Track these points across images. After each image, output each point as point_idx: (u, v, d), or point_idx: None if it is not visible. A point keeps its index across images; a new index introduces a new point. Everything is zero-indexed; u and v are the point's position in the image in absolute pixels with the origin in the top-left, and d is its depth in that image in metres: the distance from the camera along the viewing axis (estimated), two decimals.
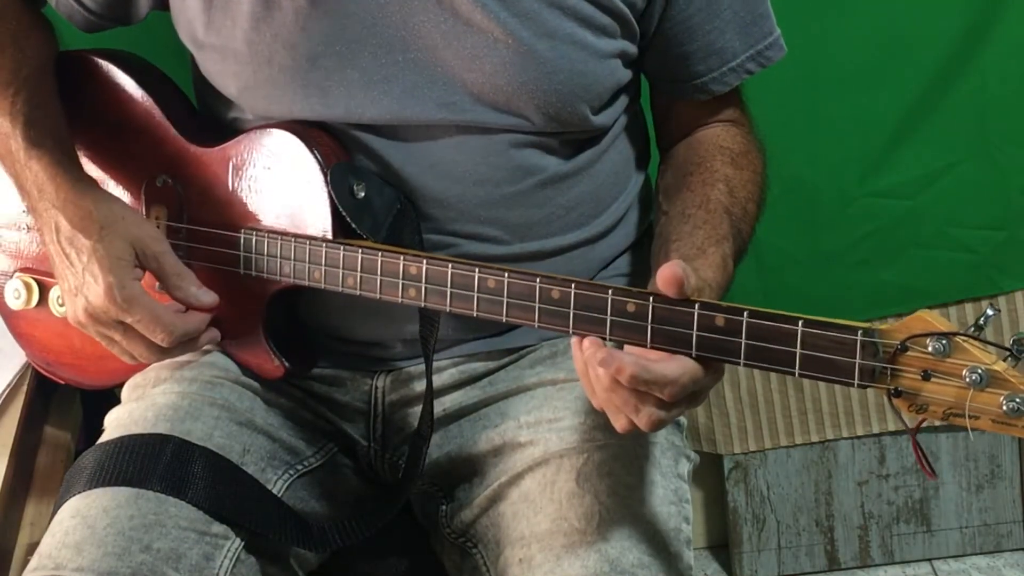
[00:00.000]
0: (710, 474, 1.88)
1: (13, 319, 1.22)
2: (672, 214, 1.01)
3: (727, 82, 1.07)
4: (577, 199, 1.07)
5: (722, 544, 1.94)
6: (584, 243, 1.08)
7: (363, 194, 0.99)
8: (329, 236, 0.99)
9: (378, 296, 0.96)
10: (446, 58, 0.98)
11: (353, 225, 0.99)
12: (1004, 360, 0.73)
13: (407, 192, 1.02)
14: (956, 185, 1.65)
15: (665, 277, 0.81)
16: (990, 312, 0.75)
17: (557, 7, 0.97)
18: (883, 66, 1.59)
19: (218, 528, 0.98)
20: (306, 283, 1.00)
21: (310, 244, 0.99)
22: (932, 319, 0.75)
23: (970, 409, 0.73)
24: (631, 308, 0.83)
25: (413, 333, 1.03)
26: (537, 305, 0.88)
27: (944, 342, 0.73)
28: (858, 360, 0.76)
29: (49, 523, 0.99)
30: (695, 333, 0.81)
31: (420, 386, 1.08)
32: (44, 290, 1.17)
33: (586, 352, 0.84)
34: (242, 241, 1.04)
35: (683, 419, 1.11)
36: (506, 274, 0.89)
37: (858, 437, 1.83)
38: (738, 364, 0.80)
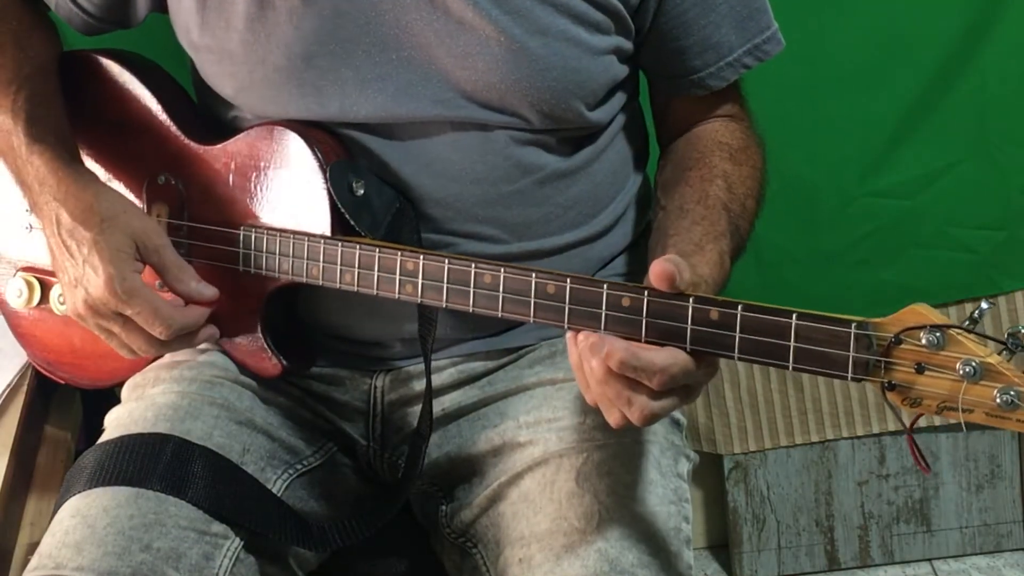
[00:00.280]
0: (710, 474, 1.88)
1: (14, 318, 1.22)
2: (670, 209, 1.01)
3: (724, 77, 1.07)
4: (575, 198, 1.07)
5: (722, 544, 1.94)
6: (582, 242, 1.08)
7: (362, 192, 1.00)
8: (328, 233, 0.99)
9: (375, 292, 0.96)
10: (439, 56, 0.98)
11: (352, 222, 0.99)
12: (999, 353, 0.73)
13: (405, 192, 1.02)
14: (956, 185, 1.65)
15: (657, 273, 0.81)
16: (984, 305, 0.74)
17: (549, 4, 0.97)
18: (883, 66, 1.59)
19: (218, 528, 0.98)
20: (304, 280, 1.00)
21: (308, 241, 1.00)
22: (926, 312, 0.75)
23: (964, 402, 0.73)
24: (626, 302, 0.84)
25: (412, 332, 1.03)
26: (533, 300, 0.88)
27: (938, 335, 0.73)
28: (852, 353, 0.76)
29: (49, 523, 0.99)
30: (689, 327, 0.81)
31: (419, 385, 1.08)
32: (45, 289, 1.17)
33: (581, 345, 0.84)
34: (241, 238, 1.04)
35: (683, 419, 1.11)
36: (502, 269, 0.89)
37: (858, 437, 1.83)
38: (732, 358, 0.80)
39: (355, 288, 0.98)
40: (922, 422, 1.80)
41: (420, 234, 1.03)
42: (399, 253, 0.95)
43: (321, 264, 0.99)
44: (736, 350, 0.80)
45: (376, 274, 0.96)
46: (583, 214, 1.08)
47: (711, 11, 1.04)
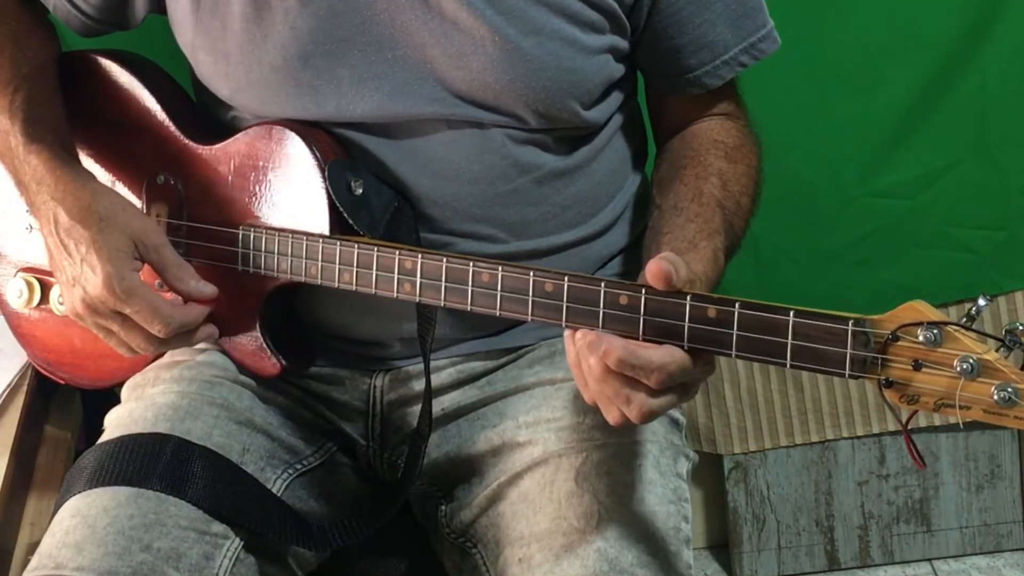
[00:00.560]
0: (710, 474, 1.88)
1: (15, 319, 1.22)
2: (665, 207, 1.01)
3: (720, 75, 1.07)
4: (573, 197, 1.07)
5: (722, 544, 1.94)
6: (581, 241, 1.08)
7: (360, 191, 1.00)
8: (327, 233, 0.99)
9: (373, 291, 0.96)
10: (434, 56, 0.98)
11: (350, 221, 0.99)
12: (996, 350, 0.73)
13: (403, 191, 1.02)
14: (956, 185, 1.65)
15: (653, 272, 0.82)
16: (982, 302, 0.74)
17: (544, 4, 0.97)
18: (883, 66, 1.59)
19: (218, 527, 0.98)
20: (303, 279, 1.01)
21: (307, 240, 1.00)
22: (923, 309, 0.75)
23: (961, 399, 0.73)
24: (623, 300, 0.84)
25: (411, 332, 1.03)
26: (531, 298, 0.88)
27: (935, 331, 0.73)
28: (849, 350, 0.76)
29: (49, 523, 0.99)
30: (687, 325, 0.81)
31: (419, 385, 1.08)
32: (45, 290, 1.17)
33: (578, 343, 0.84)
34: (240, 238, 1.04)
35: (682, 418, 1.11)
36: (500, 268, 0.90)
37: (858, 437, 1.83)
38: (730, 355, 0.80)
39: (354, 287, 0.98)
40: (922, 422, 1.80)
41: (418, 233, 1.03)
42: (397, 252, 0.95)
43: (320, 263, 0.99)
44: (734, 348, 0.80)
45: (374, 273, 0.96)
46: (581, 213, 1.08)
47: (706, 9, 1.04)
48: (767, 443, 1.83)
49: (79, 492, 0.98)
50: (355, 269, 0.97)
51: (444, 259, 0.92)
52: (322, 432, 1.12)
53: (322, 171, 0.99)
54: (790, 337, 0.78)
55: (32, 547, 1.12)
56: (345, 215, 0.99)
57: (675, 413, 1.10)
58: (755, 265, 1.65)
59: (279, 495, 1.05)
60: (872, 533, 1.88)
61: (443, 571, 1.09)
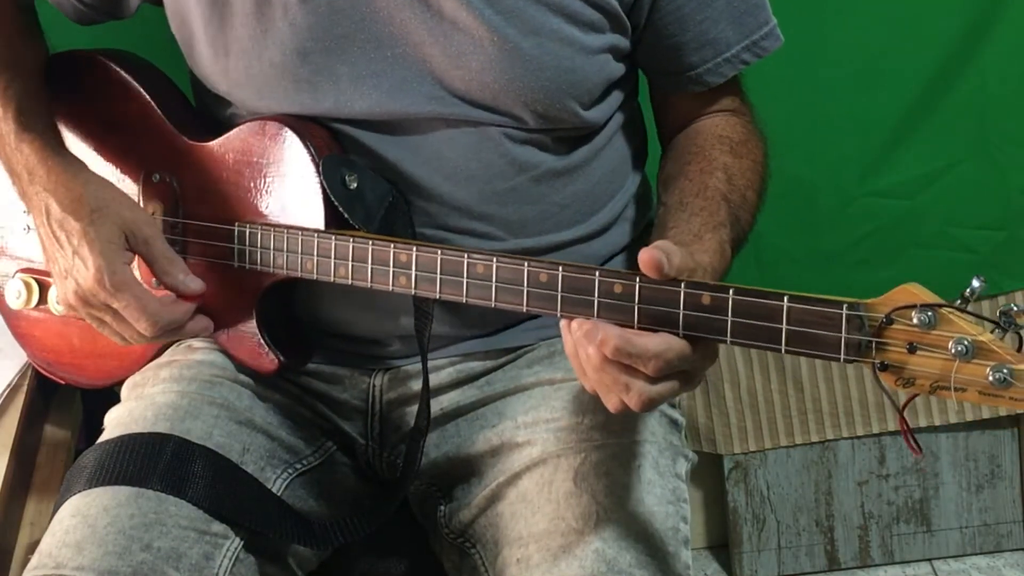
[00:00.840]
0: (710, 474, 1.88)
1: (14, 319, 1.22)
2: (670, 204, 1.01)
3: (722, 73, 1.07)
4: (572, 196, 1.07)
5: (722, 544, 1.94)
6: (580, 240, 1.08)
7: (355, 185, 1.00)
8: (322, 227, 1.00)
9: (369, 285, 0.97)
10: (433, 55, 0.98)
11: (346, 215, 0.99)
12: (991, 332, 0.73)
13: (400, 188, 1.02)
14: (956, 185, 1.65)
15: (644, 260, 0.81)
16: (976, 283, 0.74)
17: (543, 4, 0.97)
18: (883, 66, 1.59)
19: (218, 527, 0.98)
20: (298, 274, 1.01)
21: (302, 235, 1.00)
22: (917, 291, 0.74)
23: (956, 381, 0.73)
24: (618, 289, 0.84)
25: (409, 329, 1.03)
26: (525, 289, 0.88)
27: (930, 314, 0.73)
28: (844, 334, 0.76)
29: (49, 522, 0.99)
30: (681, 312, 0.81)
31: (418, 385, 1.08)
32: (44, 290, 1.17)
33: (575, 333, 0.84)
34: (236, 234, 1.04)
35: (681, 419, 1.11)
36: (495, 259, 0.90)
37: (858, 437, 1.83)
38: (725, 342, 0.80)
39: (349, 281, 0.98)
40: (922, 422, 1.80)
41: (414, 228, 1.03)
42: (392, 245, 0.95)
43: (315, 258, 0.99)
44: (728, 334, 0.80)
45: (370, 267, 0.96)
46: (580, 212, 1.08)
47: (707, 7, 1.04)
48: (767, 443, 1.83)
49: (79, 491, 0.98)
50: (350, 263, 0.97)
51: (439, 251, 0.92)
52: (322, 431, 1.13)
53: (316, 166, 1.00)
54: (784, 322, 0.78)
55: (32, 547, 1.12)
56: (340, 209, 0.99)
57: (675, 414, 1.10)
58: (756, 265, 1.65)
59: (279, 495, 1.05)
60: (872, 533, 1.88)
61: (442, 571, 1.09)
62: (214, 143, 1.06)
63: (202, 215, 1.07)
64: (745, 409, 1.81)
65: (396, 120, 1.01)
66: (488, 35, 0.97)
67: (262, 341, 1.06)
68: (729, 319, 0.80)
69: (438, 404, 1.09)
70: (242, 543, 0.99)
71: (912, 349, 0.74)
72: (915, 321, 0.73)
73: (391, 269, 0.95)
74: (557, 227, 1.07)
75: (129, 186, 1.11)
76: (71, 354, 1.18)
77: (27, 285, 1.17)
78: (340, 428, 1.12)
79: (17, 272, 1.18)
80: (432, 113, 1.00)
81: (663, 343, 0.81)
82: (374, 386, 1.11)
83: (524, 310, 0.89)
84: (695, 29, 1.05)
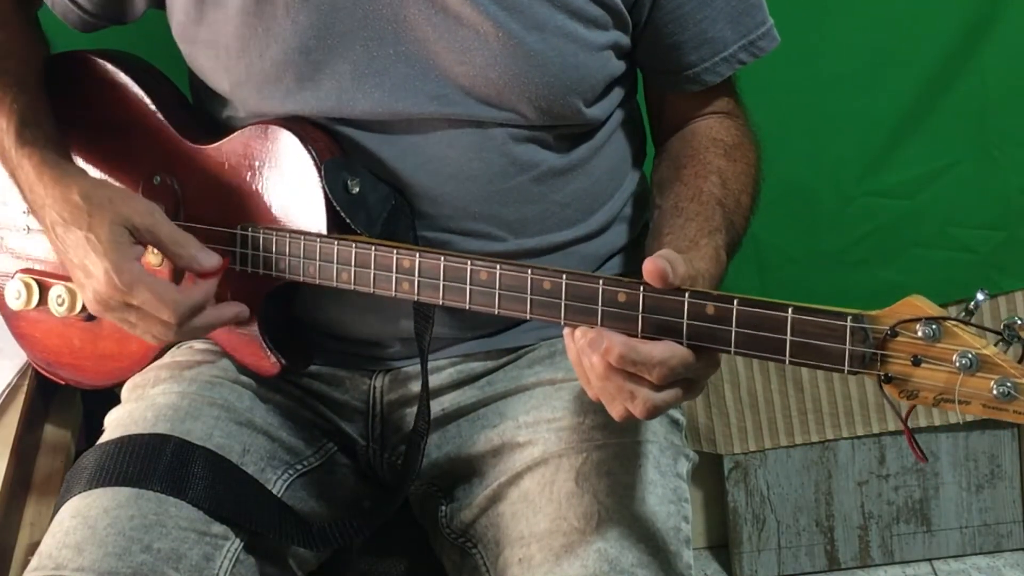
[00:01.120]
0: (710, 474, 1.88)
1: (14, 319, 1.22)
2: (665, 208, 1.02)
3: (720, 72, 1.07)
4: (573, 195, 1.07)
5: (722, 544, 1.94)
6: (580, 240, 1.08)
7: (357, 189, 1.00)
8: (324, 231, 0.99)
9: (372, 290, 0.96)
10: (437, 51, 0.98)
11: (347, 220, 0.99)
12: (995, 345, 0.73)
13: (401, 190, 1.02)
14: (956, 185, 1.66)
15: (649, 270, 0.82)
16: (980, 296, 0.74)
17: (547, 0, 0.97)
18: (882, 66, 1.59)
19: (218, 528, 0.98)
20: (300, 278, 1.00)
21: (304, 239, 1.00)
22: (922, 304, 0.75)
23: (960, 394, 0.73)
24: (622, 297, 0.84)
25: (410, 331, 1.03)
26: (529, 296, 0.88)
27: (934, 327, 0.73)
28: (848, 346, 0.76)
29: (49, 523, 0.99)
30: (685, 321, 0.81)
31: (418, 386, 1.08)
32: (44, 291, 1.17)
33: (578, 341, 0.84)
34: (238, 238, 1.04)
35: (682, 419, 1.11)
36: (498, 266, 0.89)
37: (858, 437, 1.84)
38: (729, 352, 0.80)
39: (351, 286, 0.98)
40: (922, 421, 1.80)
41: (416, 231, 1.03)
42: (395, 251, 0.95)
43: (318, 263, 0.99)
44: (732, 344, 0.80)
45: (372, 272, 0.96)
46: (580, 211, 1.08)
47: (707, 6, 1.04)
48: (767, 443, 1.83)
49: (79, 492, 0.98)
50: (353, 268, 0.97)
51: (442, 257, 0.92)
52: (322, 432, 1.12)
53: (318, 170, 0.99)
54: (789, 333, 0.78)
55: (32, 547, 1.12)
56: (342, 214, 0.99)
57: (675, 413, 1.10)
58: (756, 266, 1.65)
59: (279, 496, 1.05)
60: (872, 533, 1.88)
61: (443, 571, 1.09)
62: (216, 146, 1.06)
63: (204, 218, 1.07)
64: (745, 409, 1.81)
65: (397, 122, 1.01)
66: (493, 30, 0.97)
67: (264, 344, 1.06)
68: (733, 329, 0.80)
69: (439, 405, 1.09)
70: (242, 544, 0.99)
71: (916, 362, 0.74)
72: (919, 334, 0.74)
73: (394, 275, 0.95)
74: (557, 227, 1.07)
75: (130, 188, 1.11)
76: (71, 355, 1.18)
77: (27, 286, 1.17)
78: (341, 429, 1.12)
79: (17, 272, 1.18)
80: (435, 113, 1.00)
81: (667, 350, 0.81)
82: (375, 387, 1.11)
83: (528, 317, 0.89)
84: (694, 28, 1.05)
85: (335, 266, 0.98)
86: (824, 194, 1.66)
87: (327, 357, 1.11)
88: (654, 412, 0.83)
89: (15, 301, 1.18)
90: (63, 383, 1.22)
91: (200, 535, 0.97)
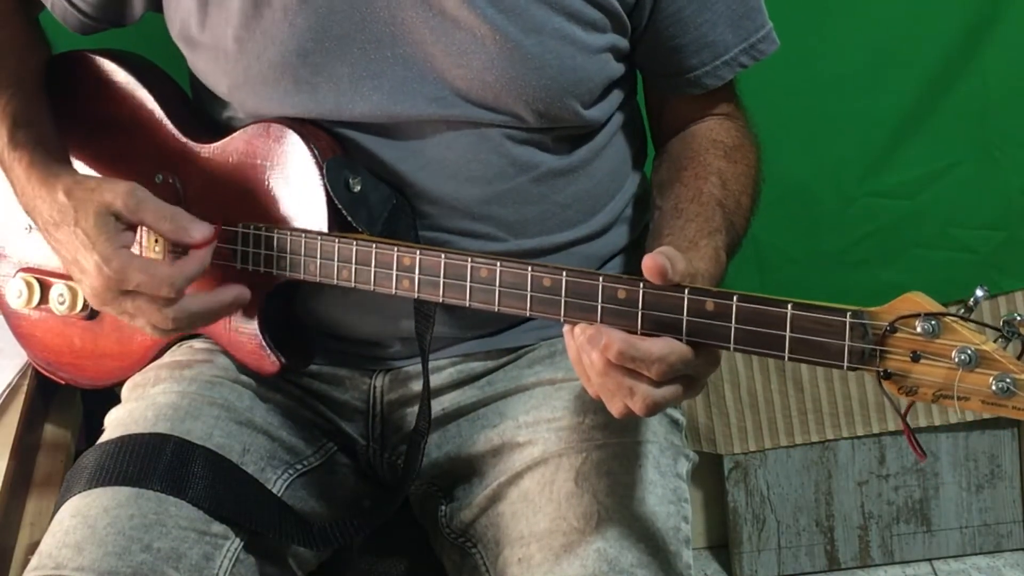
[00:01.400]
0: (710, 474, 1.88)
1: (14, 319, 1.22)
2: (665, 209, 1.02)
3: (720, 75, 1.08)
4: (573, 196, 1.07)
5: (722, 544, 1.94)
6: (580, 241, 1.08)
7: (359, 188, 1.00)
8: (325, 230, 1.00)
9: (372, 288, 0.97)
10: (435, 54, 0.98)
11: (349, 218, 0.99)
12: (994, 341, 0.73)
13: (401, 190, 1.02)
14: (956, 185, 1.66)
15: (648, 267, 0.82)
16: (980, 293, 0.74)
17: (545, 2, 0.97)
18: (883, 66, 1.59)
19: (218, 528, 0.98)
20: (301, 276, 1.01)
21: (305, 237, 1.00)
22: (921, 300, 0.75)
23: (959, 390, 0.73)
24: (621, 294, 0.84)
25: (410, 330, 1.03)
26: (529, 293, 0.88)
27: (933, 323, 0.73)
28: (847, 342, 0.76)
29: (49, 523, 0.99)
30: (685, 318, 0.81)
31: (419, 386, 1.08)
32: (45, 290, 1.17)
33: (578, 338, 0.84)
34: (239, 236, 1.04)
35: (682, 419, 1.11)
36: (498, 264, 0.90)
37: (858, 437, 1.84)
38: (728, 348, 0.80)
39: (352, 284, 0.98)
40: (922, 421, 1.80)
41: (417, 230, 1.03)
42: (395, 248, 0.95)
43: (318, 261, 0.99)
44: (732, 341, 0.80)
45: (373, 270, 0.96)
46: (581, 212, 1.08)
47: (707, 9, 1.04)
48: (767, 443, 1.83)
49: (79, 492, 0.98)
50: (353, 266, 0.97)
51: (442, 255, 0.93)
52: (322, 432, 1.13)
53: (320, 168, 1.00)
54: (788, 330, 0.78)
55: (32, 547, 1.12)
56: (343, 212, 0.99)
57: (675, 413, 1.10)
58: (756, 266, 1.65)
59: (279, 495, 1.05)
60: (872, 533, 1.88)
61: (443, 571, 1.09)
62: (218, 145, 1.06)
63: (205, 217, 1.06)
64: (745, 409, 1.81)
65: (396, 124, 1.01)
66: (490, 33, 0.97)
67: (264, 343, 1.06)
68: (733, 326, 0.80)
69: (439, 404, 1.09)
70: (242, 544, 0.99)
71: (916, 358, 0.74)
72: (919, 330, 0.74)
73: (394, 272, 0.95)
74: (558, 227, 1.07)
75: None
76: (71, 354, 1.18)
77: (28, 285, 1.17)
78: (341, 429, 1.12)
79: (18, 272, 1.19)
80: (433, 115, 1.00)
81: (666, 346, 0.81)
82: (375, 387, 1.11)
83: (527, 314, 0.89)
84: (695, 32, 1.05)
85: (335, 264, 0.98)
86: (825, 195, 1.66)
87: (327, 356, 1.11)
88: (654, 408, 0.83)
89: (16, 300, 1.18)
90: (63, 383, 1.22)
91: (200, 535, 0.97)
